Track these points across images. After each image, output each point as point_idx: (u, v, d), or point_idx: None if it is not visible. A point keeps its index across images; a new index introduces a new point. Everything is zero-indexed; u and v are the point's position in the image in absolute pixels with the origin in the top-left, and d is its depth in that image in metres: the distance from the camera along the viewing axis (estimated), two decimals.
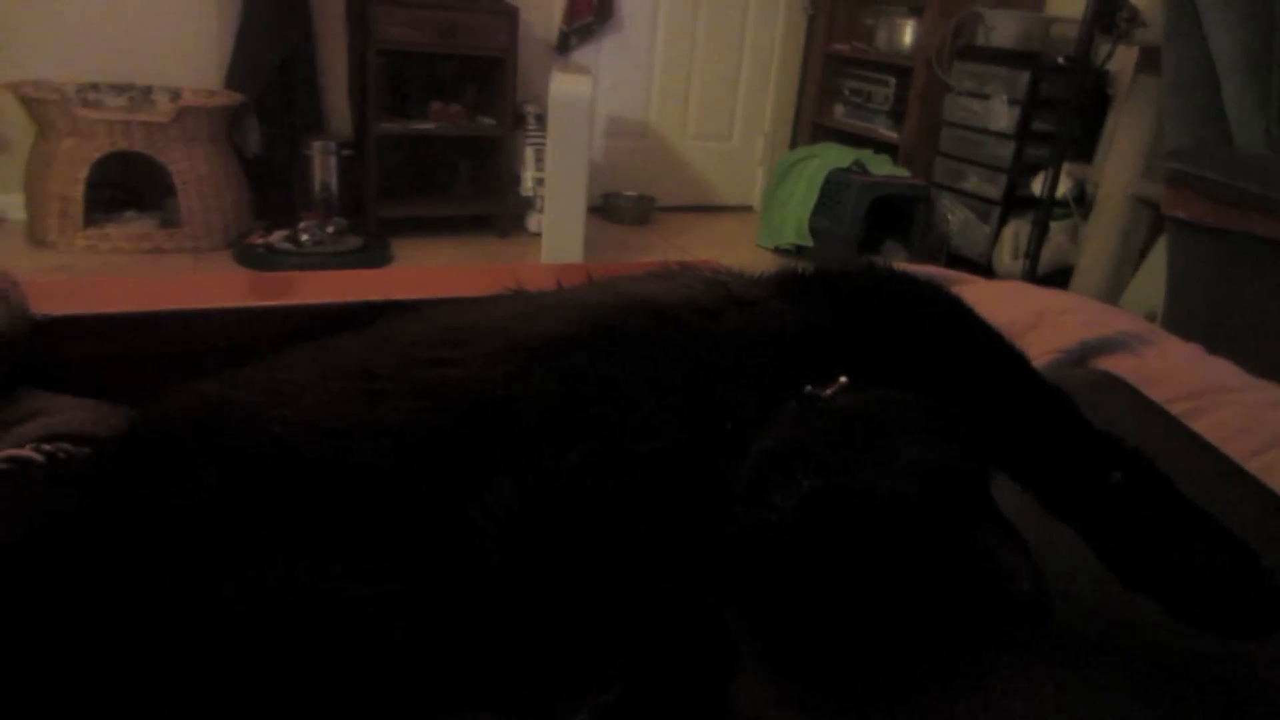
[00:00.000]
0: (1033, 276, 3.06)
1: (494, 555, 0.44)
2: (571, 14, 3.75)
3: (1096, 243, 3.23)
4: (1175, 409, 0.72)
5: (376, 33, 3.19)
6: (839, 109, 4.25)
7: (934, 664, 0.48)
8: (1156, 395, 0.73)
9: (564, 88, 2.91)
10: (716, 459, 0.48)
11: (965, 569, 0.51)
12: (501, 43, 3.36)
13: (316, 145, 3.28)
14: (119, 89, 3.18)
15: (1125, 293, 3.06)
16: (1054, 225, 3.50)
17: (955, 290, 0.92)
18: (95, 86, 3.15)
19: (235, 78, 3.29)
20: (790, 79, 4.34)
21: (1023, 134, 3.49)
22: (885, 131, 3.98)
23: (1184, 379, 0.75)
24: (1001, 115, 3.52)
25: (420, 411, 0.47)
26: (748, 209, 4.40)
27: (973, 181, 3.66)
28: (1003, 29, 3.56)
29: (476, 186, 3.69)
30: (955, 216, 3.74)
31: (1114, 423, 0.69)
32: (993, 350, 0.58)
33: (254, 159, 3.37)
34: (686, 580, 0.46)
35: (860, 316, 0.58)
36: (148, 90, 3.22)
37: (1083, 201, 3.52)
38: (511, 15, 3.37)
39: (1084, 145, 3.56)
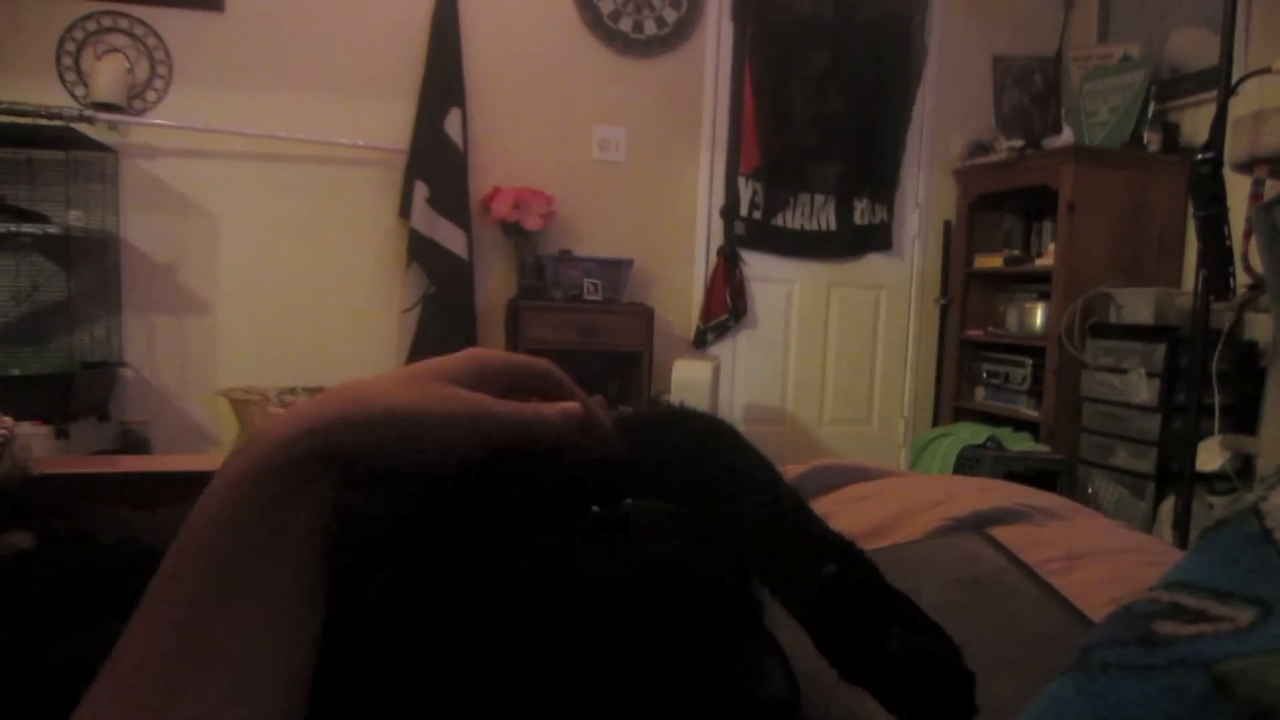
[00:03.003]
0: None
1: None
2: (708, 313, 4.09)
3: None
4: (1047, 567, 0.72)
5: (526, 334, 3.60)
6: (979, 391, 4.27)
7: None
8: (1033, 556, 0.73)
9: (684, 373, 3.15)
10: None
11: (718, 669, 0.55)
12: (639, 339, 3.69)
13: None
14: (311, 391, 3.69)
15: None
16: (1218, 500, 3.27)
17: (884, 481, 0.96)
18: (293, 390, 3.67)
19: None
20: (927, 364, 4.44)
21: (1167, 407, 3.37)
22: (1027, 410, 3.95)
23: (1070, 543, 0.75)
24: (1141, 389, 3.44)
25: None
26: None
27: (1121, 456, 3.52)
28: (1133, 306, 3.57)
29: None
30: (1109, 493, 3.56)
31: (959, 571, 0.71)
32: (751, 472, 0.64)
33: None
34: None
35: (652, 448, 0.66)
36: None
37: (1248, 475, 3.29)
38: (647, 315, 3.72)
39: (1246, 416, 3.39)
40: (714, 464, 0.64)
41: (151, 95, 3.56)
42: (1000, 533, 0.79)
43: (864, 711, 0.53)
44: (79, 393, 3.26)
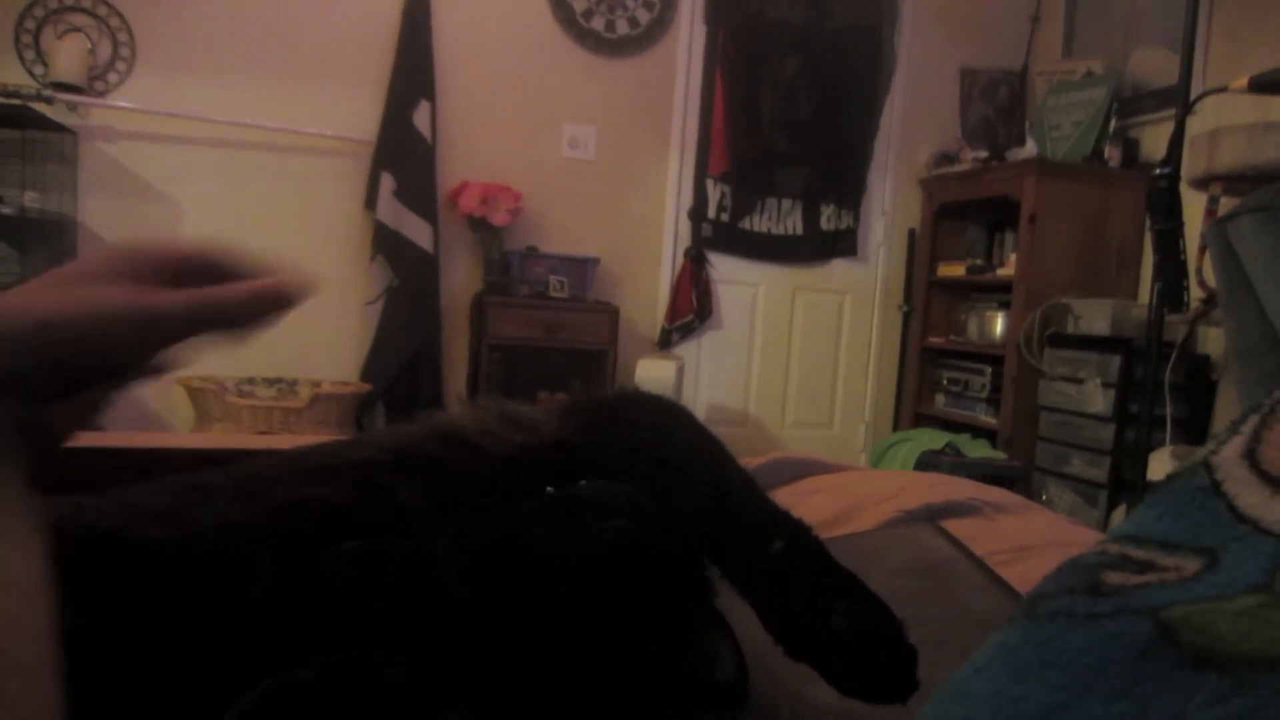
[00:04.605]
0: None
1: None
2: (673, 313, 4.10)
3: None
4: (996, 558, 0.73)
5: (491, 329, 3.58)
6: (939, 398, 4.32)
7: None
8: (982, 547, 0.74)
9: (648, 372, 3.15)
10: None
11: (667, 648, 0.55)
12: (603, 338, 3.69)
13: None
14: (271, 382, 3.64)
15: None
16: None
17: (841, 474, 0.97)
18: (251, 380, 3.62)
19: (370, 370, 3.72)
20: (889, 370, 4.48)
21: (1121, 417, 3.44)
22: (985, 418, 4.00)
23: (1020, 536, 0.76)
24: (1096, 399, 3.50)
25: (228, 511, 0.57)
26: None
27: (1076, 465, 3.58)
28: (1090, 317, 3.63)
29: None
30: (1063, 500, 3.62)
31: (909, 560, 0.71)
32: (702, 451, 0.64)
33: None
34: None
35: (607, 430, 0.66)
36: (294, 382, 3.67)
37: None
38: (613, 313, 3.72)
39: (1197, 428, 3.46)
40: (665, 444, 0.64)
41: (114, 77, 3.50)
42: (951, 525, 0.80)
43: (811, 692, 0.54)
44: None
